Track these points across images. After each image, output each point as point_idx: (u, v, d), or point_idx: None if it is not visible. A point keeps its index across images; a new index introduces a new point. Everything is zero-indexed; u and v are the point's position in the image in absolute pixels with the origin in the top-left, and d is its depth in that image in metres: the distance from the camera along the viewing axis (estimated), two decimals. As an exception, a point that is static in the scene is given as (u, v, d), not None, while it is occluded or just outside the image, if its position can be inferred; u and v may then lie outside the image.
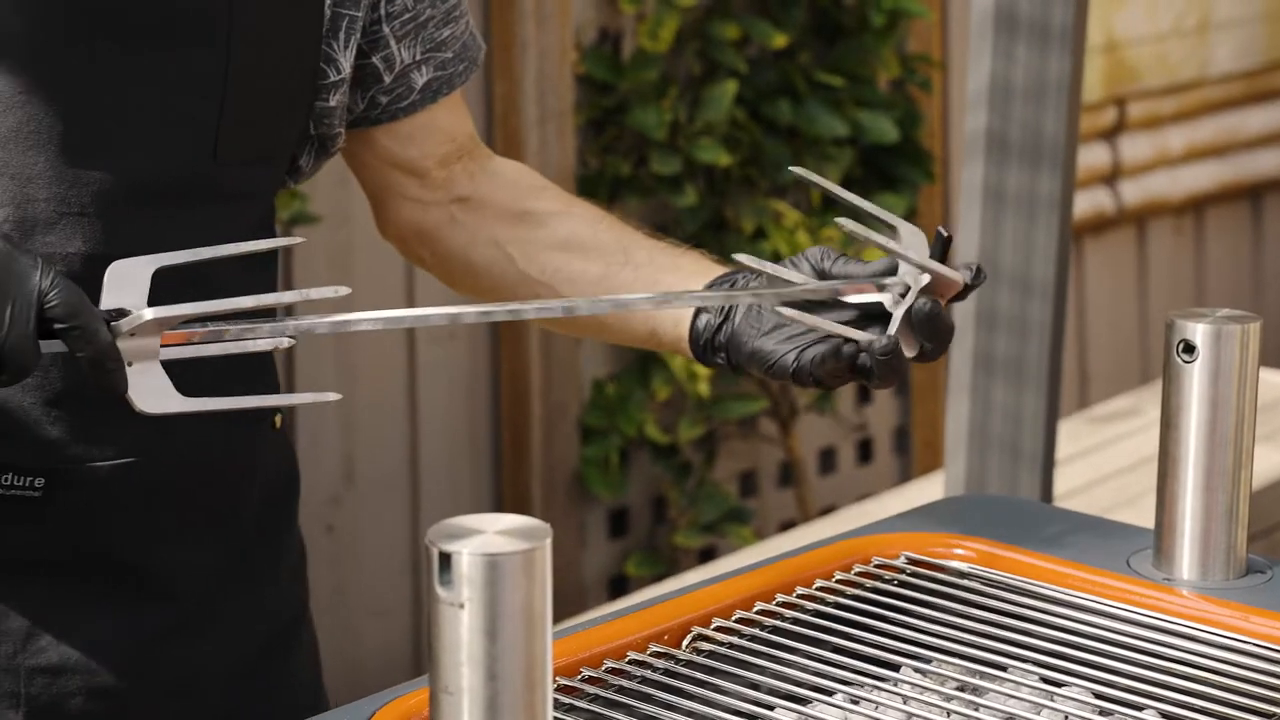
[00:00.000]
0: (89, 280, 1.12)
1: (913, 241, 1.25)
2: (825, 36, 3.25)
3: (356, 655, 2.91)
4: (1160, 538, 1.28)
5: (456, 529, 0.90)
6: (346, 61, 1.29)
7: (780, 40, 3.12)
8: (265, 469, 1.30)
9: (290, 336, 1.12)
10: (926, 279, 1.24)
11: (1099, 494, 3.01)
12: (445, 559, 0.88)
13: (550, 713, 0.90)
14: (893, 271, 1.25)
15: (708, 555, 3.25)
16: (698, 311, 1.29)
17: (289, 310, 1.15)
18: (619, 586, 3.18)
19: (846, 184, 3.29)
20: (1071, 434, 3.32)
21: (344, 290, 1.11)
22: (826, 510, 3.39)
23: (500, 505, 3.04)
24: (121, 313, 1.09)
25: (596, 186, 3.05)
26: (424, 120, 1.35)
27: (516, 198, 1.37)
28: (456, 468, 3.00)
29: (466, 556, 0.88)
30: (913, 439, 3.58)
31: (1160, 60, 4.09)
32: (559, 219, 1.36)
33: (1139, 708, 1.14)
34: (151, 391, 1.10)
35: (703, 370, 3.02)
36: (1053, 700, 1.15)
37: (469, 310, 1.19)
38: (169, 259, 1.11)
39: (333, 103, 1.30)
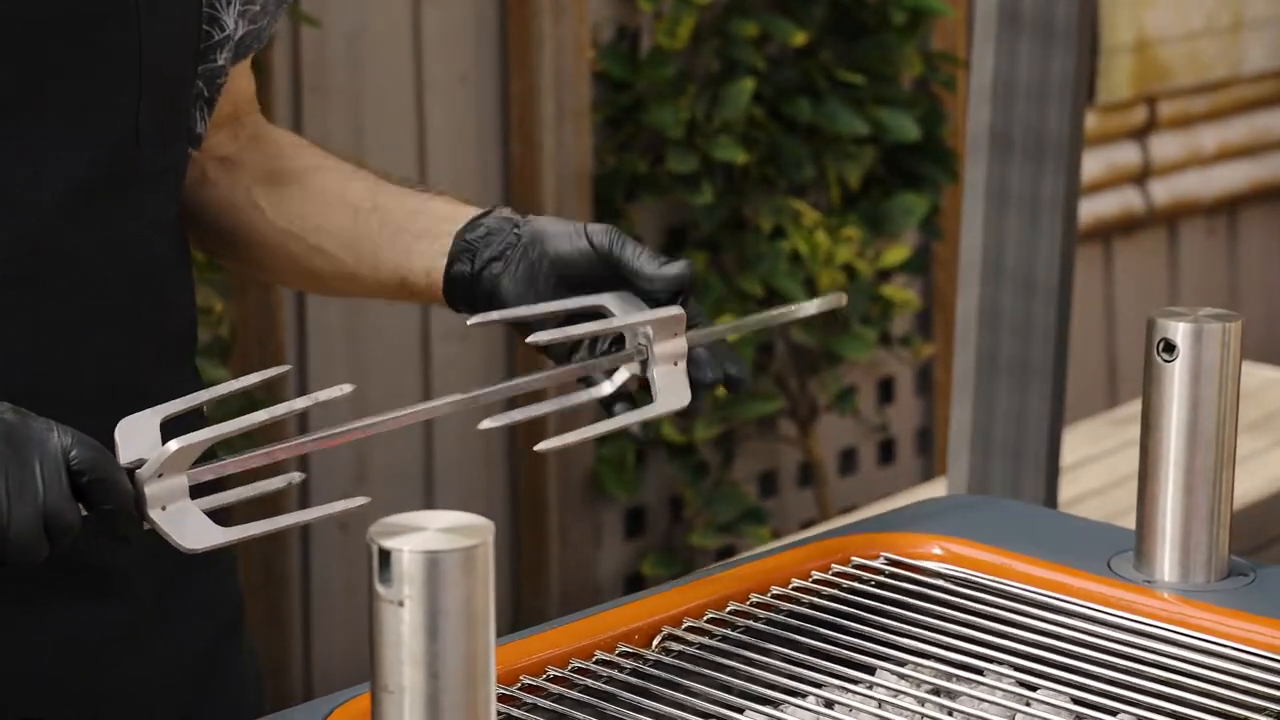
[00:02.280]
0: (17, 281, 1.10)
1: (620, 303, 1.24)
2: (846, 34, 3.23)
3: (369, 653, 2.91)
4: (1141, 539, 1.26)
5: (398, 526, 0.89)
6: (230, 16, 1.28)
7: (800, 38, 3.11)
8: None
9: (301, 470, 1.12)
10: (650, 331, 1.22)
11: (1116, 496, 2.98)
12: (385, 556, 0.87)
13: (493, 712, 0.89)
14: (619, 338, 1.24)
15: (725, 555, 3.24)
16: (453, 259, 1.28)
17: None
18: (635, 586, 3.17)
19: (867, 183, 3.28)
20: (1092, 436, 3.30)
21: (347, 388, 1.11)
22: (846, 511, 3.37)
23: (515, 504, 3.03)
24: (141, 462, 1.08)
25: (613, 184, 3.05)
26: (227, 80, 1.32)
27: (273, 156, 1.36)
28: (470, 466, 3.00)
29: (406, 554, 0.87)
30: (936, 440, 3.56)
31: (1192, 59, 4.06)
32: (311, 174, 1.35)
33: (1114, 712, 1.12)
34: (192, 529, 1.09)
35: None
36: (1028, 705, 1.14)
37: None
38: (171, 408, 1.10)
39: (221, 60, 1.28)
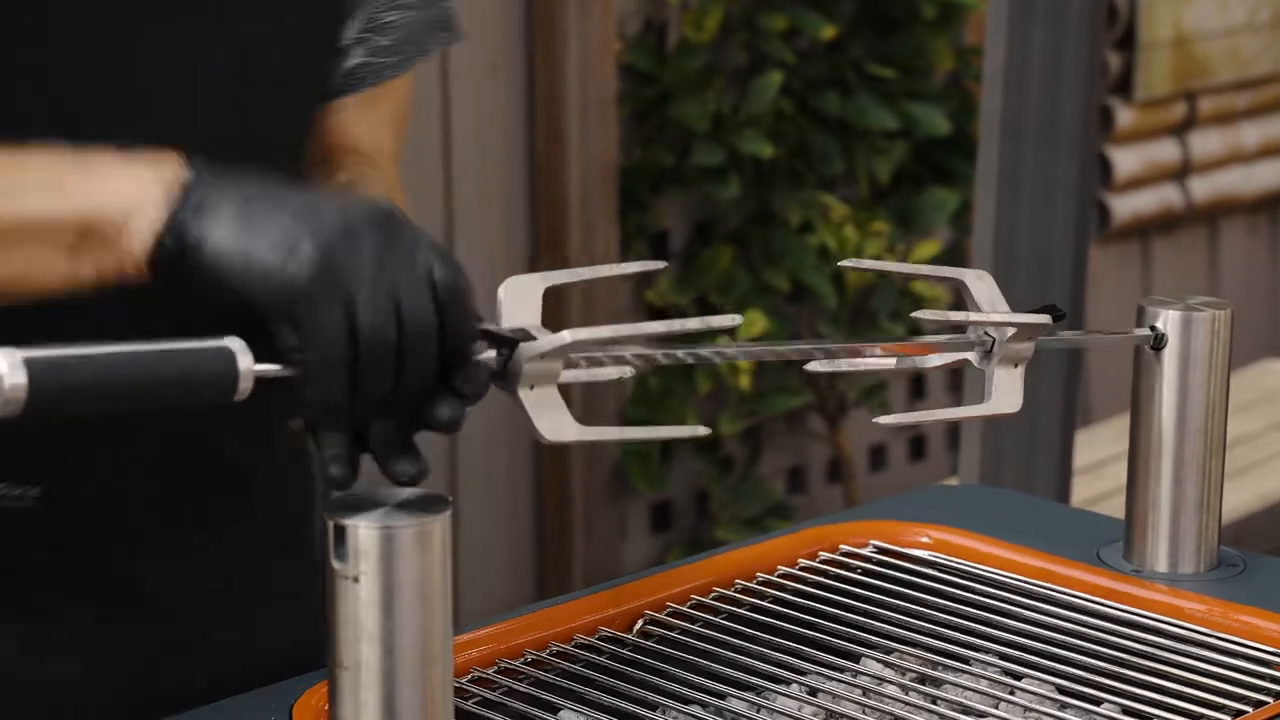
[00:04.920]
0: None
1: (981, 286, 1.21)
2: (876, 28, 3.22)
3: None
4: (1130, 529, 1.25)
5: (356, 501, 0.89)
6: (351, 29, 1.23)
7: (829, 31, 3.09)
8: (274, 478, 1.24)
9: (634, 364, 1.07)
10: (1010, 330, 1.18)
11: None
12: (340, 532, 0.87)
13: (449, 688, 0.89)
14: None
15: (752, 550, 3.23)
16: None
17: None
18: (661, 580, 3.17)
19: (898, 178, 3.26)
20: (1123, 431, 3.26)
21: (738, 319, 1.07)
22: (875, 507, 3.36)
23: (540, 498, 3.03)
24: (523, 332, 1.01)
25: (639, 177, 3.04)
26: (334, 111, 1.25)
27: None
28: (494, 460, 3.00)
29: (362, 530, 0.87)
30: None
31: (1232, 54, 4.03)
32: None
33: (1098, 702, 1.11)
34: (552, 419, 1.03)
35: (743, 364, 3.00)
36: (1012, 694, 1.13)
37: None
38: (556, 277, 1.04)
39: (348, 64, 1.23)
